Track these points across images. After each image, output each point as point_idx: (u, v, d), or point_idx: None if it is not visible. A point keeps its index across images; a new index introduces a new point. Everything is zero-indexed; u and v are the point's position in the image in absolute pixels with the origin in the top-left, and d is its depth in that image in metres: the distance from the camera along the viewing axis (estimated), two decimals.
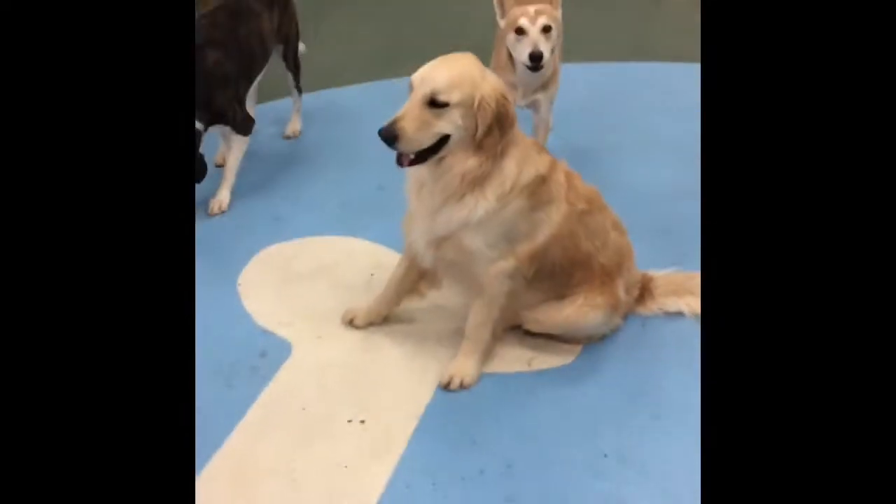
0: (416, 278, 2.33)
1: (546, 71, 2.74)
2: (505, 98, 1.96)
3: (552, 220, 2.10)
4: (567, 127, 3.54)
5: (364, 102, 3.75)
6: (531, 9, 2.59)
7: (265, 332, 2.35)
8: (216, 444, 1.97)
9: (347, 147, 3.38)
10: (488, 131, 1.93)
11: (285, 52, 3.34)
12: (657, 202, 2.95)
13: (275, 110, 3.66)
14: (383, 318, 2.39)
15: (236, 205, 3.01)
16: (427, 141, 1.93)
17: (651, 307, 2.43)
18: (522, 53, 2.60)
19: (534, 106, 2.90)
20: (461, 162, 1.96)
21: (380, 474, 1.90)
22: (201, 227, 2.86)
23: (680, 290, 2.42)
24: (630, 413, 2.09)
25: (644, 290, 2.43)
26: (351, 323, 2.38)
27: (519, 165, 2.02)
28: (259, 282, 2.59)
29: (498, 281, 2.10)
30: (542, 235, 2.09)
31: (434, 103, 1.91)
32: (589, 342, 2.32)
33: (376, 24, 4.96)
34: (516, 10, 2.62)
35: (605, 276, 2.23)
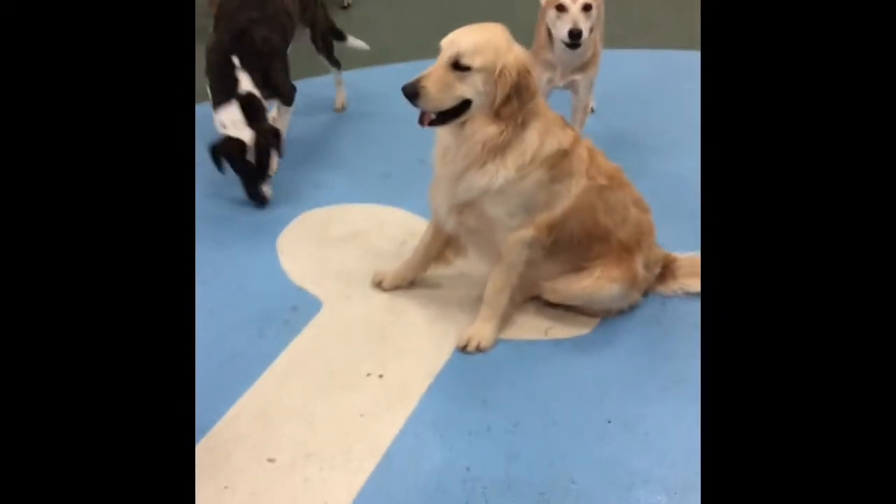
0: (441, 246, 2.43)
1: (585, 52, 2.80)
2: (527, 70, 2.03)
3: (571, 192, 2.17)
4: (611, 111, 3.60)
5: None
6: None
7: (298, 289, 2.49)
8: (246, 386, 2.11)
9: (391, 122, 3.49)
10: (507, 100, 2.01)
11: (313, 35, 3.43)
12: (691, 188, 2.98)
13: (327, 85, 3.79)
14: (409, 283, 2.49)
15: (281, 171, 3.15)
16: (447, 102, 2.02)
17: (672, 287, 2.49)
18: (562, 30, 2.66)
19: (572, 87, 2.96)
20: (482, 129, 2.05)
21: (393, 424, 2.01)
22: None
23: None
24: (639, 384, 2.16)
25: (666, 270, 2.48)
26: (379, 285, 2.49)
27: (541, 137, 2.10)
28: (297, 243, 2.72)
29: (516, 249, 2.18)
30: (561, 207, 2.17)
31: (458, 66, 2.00)
32: (607, 315, 2.39)
33: (423, 4, 5.07)
34: None
35: (624, 251, 2.30)
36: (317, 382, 2.14)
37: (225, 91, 2.83)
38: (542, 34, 2.87)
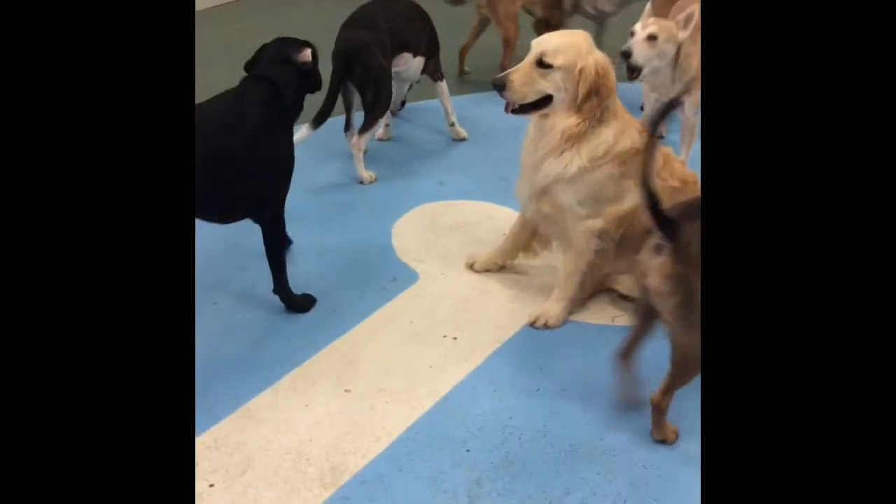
0: (529, 236, 2.70)
1: (682, 77, 2.98)
2: (606, 70, 2.29)
3: None
4: None
5: None
6: (651, 19, 2.87)
7: (401, 264, 2.84)
8: (340, 334, 2.47)
9: (514, 133, 3.79)
10: (587, 96, 2.27)
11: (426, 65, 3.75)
12: None
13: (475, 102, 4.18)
14: (499, 268, 2.78)
15: (411, 170, 3.55)
16: (531, 95, 2.31)
17: None
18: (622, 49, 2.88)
19: (678, 108, 3.15)
20: (562, 120, 2.31)
21: (455, 376, 2.29)
22: (378, 186, 3.43)
23: None
24: None
25: None
26: (471, 267, 2.79)
27: (616, 135, 2.33)
28: (409, 227, 3.09)
29: (586, 237, 2.41)
30: (630, 202, 2.37)
31: (541, 64, 2.28)
32: None
33: None
34: (644, 21, 2.90)
35: None
36: (399, 337, 2.46)
37: None
38: None
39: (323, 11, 5.31)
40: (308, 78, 2.48)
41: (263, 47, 2.49)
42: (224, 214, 2.39)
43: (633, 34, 2.89)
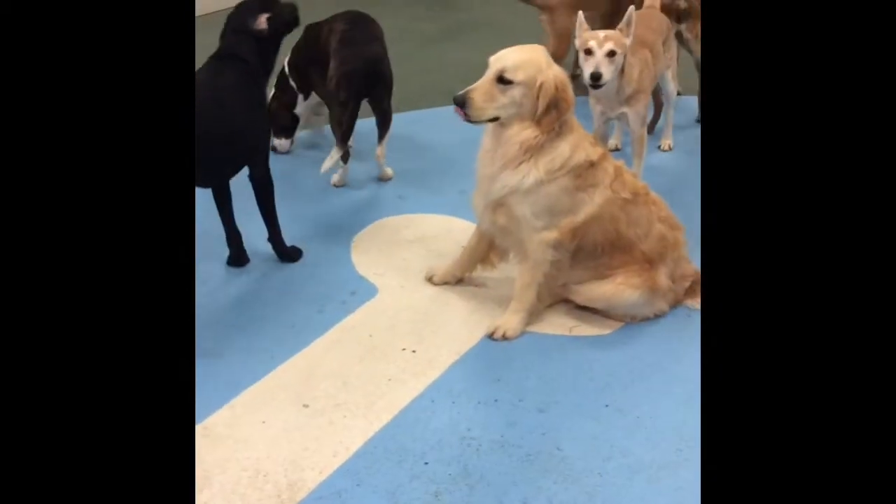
0: (486, 249, 2.72)
1: (625, 88, 3.03)
2: (564, 84, 2.33)
3: (594, 201, 2.41)
4: (685, 149, 3.79)
5: None
6: (601, 34, 2.88)
7: (360, 278, 2.85)
8: (298, 349, 2.47)
9: (473, 147, 3.83)
10: (546, 110, 2.30)
11: None
12: None
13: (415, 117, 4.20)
14: (457, 280, 2.79)
15: (370, 183, 3.57)
16: (491, 112, 2.34)
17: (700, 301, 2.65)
18: (586, 72, 2.91)
19: (624, 119, 3.20)
20: (520, 132, 2.34)
21: (413, 389, 2.30)
22: (338, 200, 3.44)
23: None
24: (643, 378, 2.34)
25: (696, 285, 2.65)
26: (430, 280, 2.81)
27: (572, 149, 2.37)
28: (369, 241, 3.10)
29: (541, 249, 2.44)
30: (584, 214, 2.41)
31: (502, 80, 2.31)
32: (631, 321, 2.59)
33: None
34: (588, 34, 2.92)
35: (646, 262, 2.50)
36: (357, 352, 2.46)
37: None
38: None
39: (320, 10, 5.32)
40: (264, 41, 2.69)
41: (229, 17, 2.72)
42: (223, 177, 2.74)
43: (589, 52, 2.88)
